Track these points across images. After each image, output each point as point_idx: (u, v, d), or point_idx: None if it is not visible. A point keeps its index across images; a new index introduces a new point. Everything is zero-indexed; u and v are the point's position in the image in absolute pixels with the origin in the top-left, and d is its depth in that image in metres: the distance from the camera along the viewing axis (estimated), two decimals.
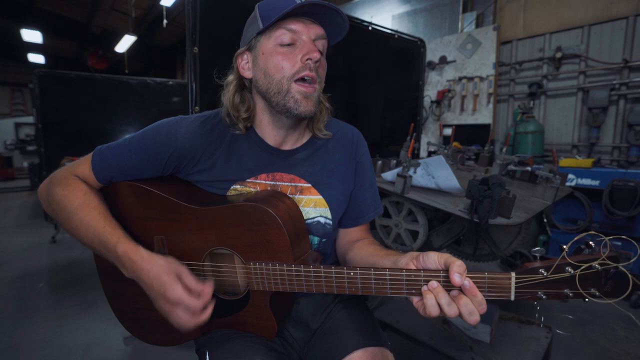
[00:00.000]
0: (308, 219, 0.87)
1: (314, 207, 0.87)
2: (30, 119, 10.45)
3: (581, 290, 0.58)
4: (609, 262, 0.56)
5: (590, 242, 0.59)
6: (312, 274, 0.70)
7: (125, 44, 9.00)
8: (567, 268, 0.58)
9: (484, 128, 4.12)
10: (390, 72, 2.64)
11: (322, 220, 0.88)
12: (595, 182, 2.81)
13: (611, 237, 0.57)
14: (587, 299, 0.59)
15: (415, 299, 0.65)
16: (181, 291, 0.68)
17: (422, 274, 0.63)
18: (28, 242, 4.09)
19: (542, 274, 0.59)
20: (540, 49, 3.96)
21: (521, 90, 4.13)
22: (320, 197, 0.88)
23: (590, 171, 2.85)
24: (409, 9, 5.02)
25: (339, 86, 2.30)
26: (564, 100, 3.87)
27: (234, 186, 0.84)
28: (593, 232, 0.58)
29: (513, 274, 0.60)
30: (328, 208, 0.88)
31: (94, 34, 10.05)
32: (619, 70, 3.47)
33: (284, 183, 0.86)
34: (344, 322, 0.88)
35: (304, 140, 0.90)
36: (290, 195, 0.86)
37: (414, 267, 0.65)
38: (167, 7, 6.59)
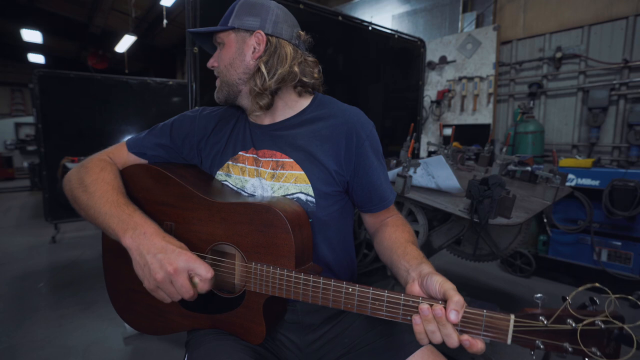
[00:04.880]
0: (287, 194, 0.85)
1: (295, 183, 0.85)
2: (30, 119, 10.43)
3: (583, 347, 0.54)
4: (614, 321, 0.52)
5: (595, 299, 0.55)
6: (311, 284, 0.70)
7: (125, 44, 9.00)
8: (568, 320, 0.54)
9: (484, 128, 4.12)
10: (390, 72, 2.64)
11: (303, 197, 0.85)
12: (595, 182, 2.81)
13: (618, 295, 0.53)
14: (586, 359, 0.54)
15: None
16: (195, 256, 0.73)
17: (420, 300, 0.62)
18: (28, 242, 4.09)
19: (542, 321, 0.55)
20: (540, 49, 3.96)
21: (521, 90, 4.13)
22: (302, 172, 0.85)
23: (590, 171, 2.85)
24: (409, 9, 5.02)
25: (339, 86, 2.30)
26: (564, 100, 3.87)
27: (228, 162, 0.93)
28: (597, 285, 0.54)
29: (512, 316, 0.57)
30: (310, 184, 0.85)
31: (94, 34, 10.03)
32: (619, 70, 3.47)
33: (265, 159, 0.88)
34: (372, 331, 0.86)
35: (289, 114, 0.91)
36: (271, 171, 0.87)
37: (417, 287, 0.66)
38: (167, 7, 6.58)
